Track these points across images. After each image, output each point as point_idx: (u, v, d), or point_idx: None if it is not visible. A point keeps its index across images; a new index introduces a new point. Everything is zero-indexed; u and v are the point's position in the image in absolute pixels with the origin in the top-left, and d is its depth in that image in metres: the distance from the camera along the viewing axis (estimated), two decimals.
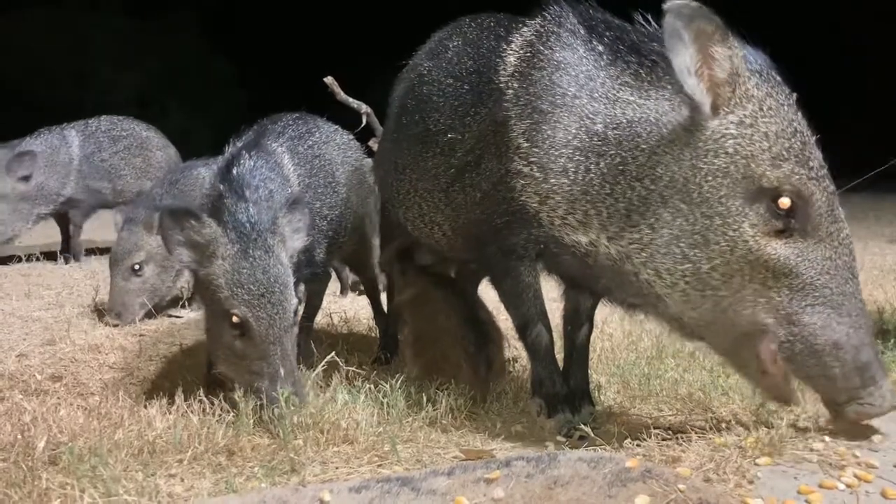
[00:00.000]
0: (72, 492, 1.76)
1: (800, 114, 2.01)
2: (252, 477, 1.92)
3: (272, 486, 1.84)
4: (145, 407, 2.30)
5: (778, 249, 1.94)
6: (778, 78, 2.03)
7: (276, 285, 2.36)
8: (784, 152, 1.94)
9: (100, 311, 4.09)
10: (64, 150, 5.74)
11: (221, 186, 2.53)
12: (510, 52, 2.32)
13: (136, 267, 4.03)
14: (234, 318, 2.33)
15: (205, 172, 4.20)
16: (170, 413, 2.26)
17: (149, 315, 4.03)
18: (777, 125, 1.95)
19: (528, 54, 2.27)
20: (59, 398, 2.51)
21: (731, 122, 1.97)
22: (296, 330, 2.46)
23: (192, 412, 2.23)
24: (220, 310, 2.37)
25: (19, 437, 2.09)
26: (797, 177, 1.93)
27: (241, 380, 2.35)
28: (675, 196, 2.01)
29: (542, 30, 2.29)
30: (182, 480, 1.91)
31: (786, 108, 1.98)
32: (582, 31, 2.24)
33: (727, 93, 1.97)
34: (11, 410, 2.34)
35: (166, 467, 1.96)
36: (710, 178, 1.97)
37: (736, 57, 1.96)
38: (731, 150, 1.96)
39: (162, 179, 4.70)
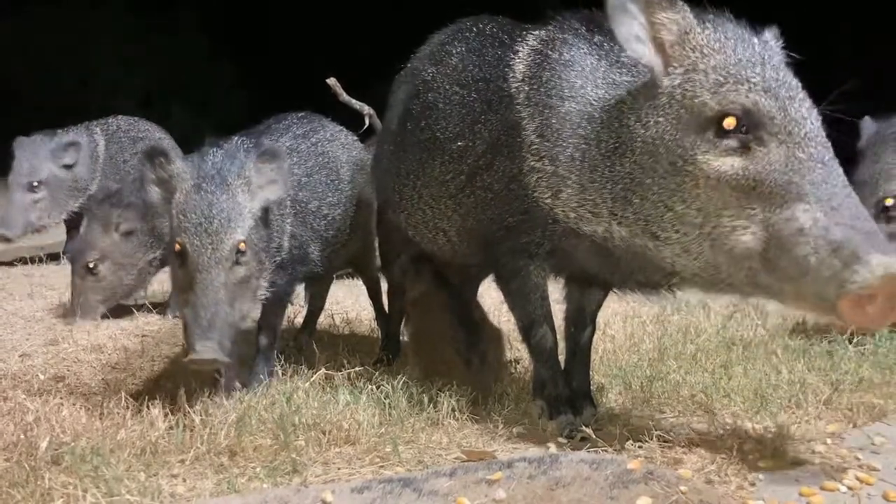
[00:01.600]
0: (74, 491, 1.77)
1: (759, 51, 2.03)
2: (254, 477, 1.93)
3: (274, 487, 1.85)
4: (148, 407, 2.30)
5: (736, 164, 1.95)
6: (740, 28, 2.07)
7: (217, 217, 2.39)
8: (721, 78, 1.98)
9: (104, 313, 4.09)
10: (92, 147, 5.68)
11: (206, 148, 2.62)
12: (518, 60, 2.37)
13: (91, 265, 3.97)
14: (177, 247, 2.39)
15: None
16: (172, 413, 2.27)
17: (115, 314, 4.00)
18: (717, 59, 2.01)
19: (537, 60, 2.32)
20: (61, 398, 2.51)
21: (678, 73, 2.04)
22: (242, 272, 2.44)
23: (194, 413, 2.23)
24: (171, 242, 2.45)
25: (22, 436, 2.10)
26: (734, 93, 1.96)
27: (179, 310, 2.46)
28: (650, 159, 2.06)
29: (549, 36, 2.35)
30: (184, 481, 1.92)
31: (734, 43, 2.02)
32: (583, 30, 2.31)
33: (678, 50, 2.05)
34: (14, 410, 2.35)
35: (168, 467, 1.96)
36: (668, 128, 2.03)
37: (684, 18, 2.04)
38: (679, 97, 2.03)
39: (131, 179, 4.58)
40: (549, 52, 2.31)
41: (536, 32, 2.40)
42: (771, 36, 2.16)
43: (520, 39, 2.42)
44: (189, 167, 2.48)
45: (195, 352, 2.25)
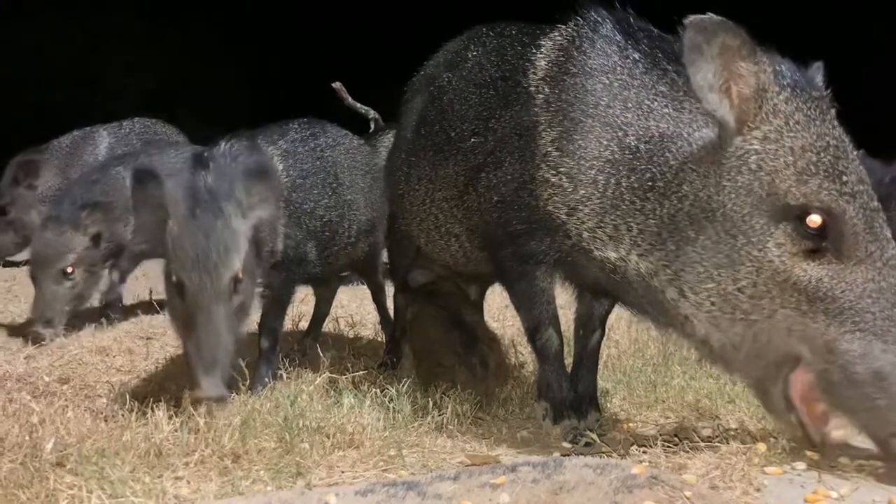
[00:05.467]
0: (79, 493, 1.77)
1: (837, 127, 1.90)
2: (258, 480, 1.93)
3: (278, 490, 1.85)
4: (152, 409, 2.30)
5: (809, 270, 1.82)
6: (815, 92, 1.92)
7: (214, 251, 2.36)
8: (811, 167, 1.83)
9: (106, 314, 4.08)
10: (89, 151, 5.55)
11: (194, 162, 2.60)
12: (540, 55, 2.26)
13: (69, 271, 3.72)
14: (174, 278, 2.39)
15: (124, 171, 4.03)
16: (176, 416, 2.27)
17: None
18: (804, 139, 1.85)
19: (561, 59, 2.20)
20: (66, 400, 2.52)
21: (755, 138, 1.88)
22: (239, 300, 2.44)
23: (198, 415, 2.23)
24: (167, 267, 2.45)
25: (27, 438, 2.10)
26: (826, 192, 1.81)
27: (178, 339, 2.45)
28: (700, 214, 1.93)
29: (577, 34, 2.22)
30: (188, 483, 1.91)
31: (818, 122, 1.87)
32: (618, 38, 2.17)
33: (753, 109, 1.88)
34: (19, 412, 2.35)
35: (173, 470, 1.96)
36: (733, 195, 1.89)
37: (763, 72, 1.88)
38: (754, 167, 1.87)
39: (80, 178, 4.34)
40: (575, 53, 2.18)
41: (564, 28, 2.27)
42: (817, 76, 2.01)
43: (544, 35, 2.30)
44: (181, 191, 2.44)
45: (202, 389, 2.27)
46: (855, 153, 1.89)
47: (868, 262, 1.80)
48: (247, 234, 2.47)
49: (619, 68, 2.12)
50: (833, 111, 1.93)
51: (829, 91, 2.00)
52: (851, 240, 1.81)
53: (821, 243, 1.82)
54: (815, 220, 1.82)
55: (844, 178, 1.83)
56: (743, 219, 1.88)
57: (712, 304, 1.94)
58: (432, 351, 2.79)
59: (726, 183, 1.91)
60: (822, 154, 1.84)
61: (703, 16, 1.86)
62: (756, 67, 1.88)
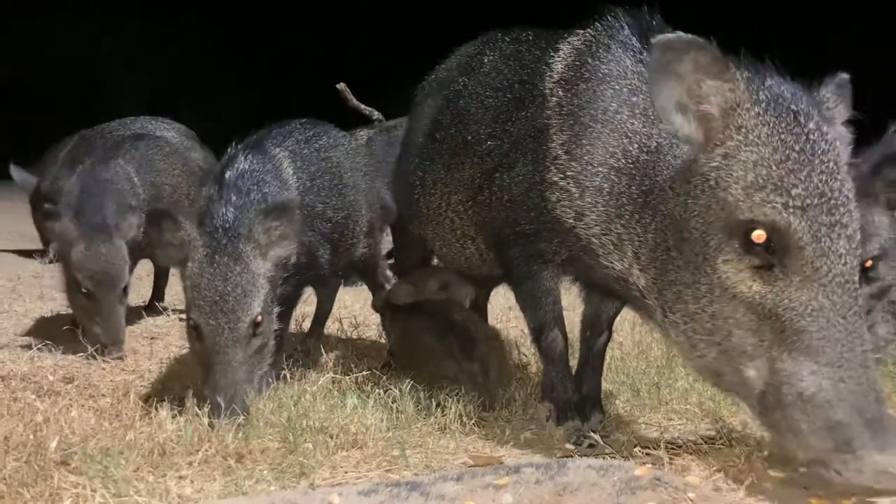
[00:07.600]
0: (83, 492, 1.78)
1: (811, 139, 1.76)
2: (261, 480, 1.93)
3: (281, 489, 1.85)
4: (156, 409, 2.31)
5: (753, 287, 1.76)
6: (795, 105, 1.80)
7: (231, 295, 2.34)
8: (759, 180, 1.74)
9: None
10: (55, 157, 5.50)
11: (212, 190, 2.57)
12: (558, 59, 2.25)
13: (125, 287, 3.46)
14: (191, 321, 2.38)
15: (124, 164, 3.83)
16: (180, 415, 2.27)
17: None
18: (759, 153, 1.76)
19: (576, 63, 2.19)
20: (70, 399, 2.53)
21: (718, 155, 1.81)
22: (259, 342, 2.41)
23: (202, 414, 2.24)
24: (186, 312, 2.43)
25: (31, 437, 2.11)
26: (770, 206, 1.73)
27: (197, 375, 2.43)
28: (675, 233, 1.90)
29: (593, 39, 2.20)
30: (192, 482, 1.92)
31: (783, 134, 1.76)
32: (634, 43, 2.13)
33: (720, 126, 1.81)
34: (24, 411, 2.36)
35: (176, 469, 1.97)
36: (695, 212, 1.85)
37: (734, 90, 1.79)
38: (713, 184, 1.81)
39: (88, 180, 3.70)
40: (589, 59, 2.16)
41: (582, 32, 2.25)
42: (833, 90, 1.95)
43: (563, 40, 2.28)
44: (199, 232, 2.41)
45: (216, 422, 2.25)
46: (842, 163, 1.78)
47: (813, 279, 1.71)
48: (268, 275, 2.45)
49: (630, 74, 2.09)
50: (816, 122, 1.80)
51: (838, 101, 1.95)
52: (797, 255, 1.72)
53: (768, 258, 1.75)
54: (758, 234, 1.74)
55: (794, 191, 1.72)
56: (703, 237, 1.83)
57: (686, 324, 1.89)
58: (431, 361, 2.77)
59: (690, 201, 1.87)
60: (776, 167, 1.74)
61: (671, 35, 1.80)
62: (727, 84, 1.79)
